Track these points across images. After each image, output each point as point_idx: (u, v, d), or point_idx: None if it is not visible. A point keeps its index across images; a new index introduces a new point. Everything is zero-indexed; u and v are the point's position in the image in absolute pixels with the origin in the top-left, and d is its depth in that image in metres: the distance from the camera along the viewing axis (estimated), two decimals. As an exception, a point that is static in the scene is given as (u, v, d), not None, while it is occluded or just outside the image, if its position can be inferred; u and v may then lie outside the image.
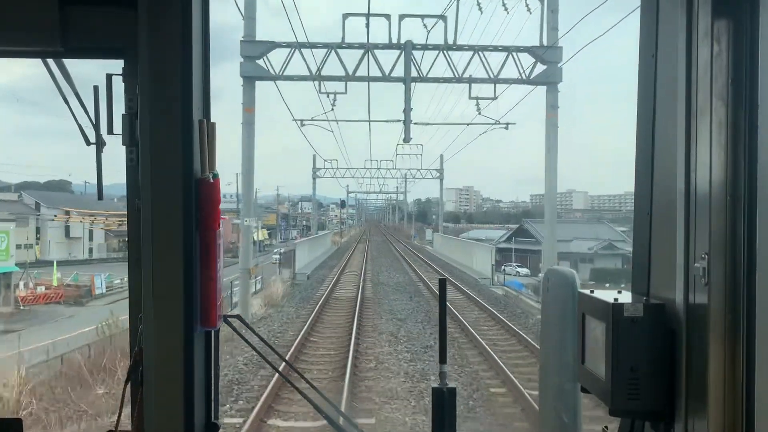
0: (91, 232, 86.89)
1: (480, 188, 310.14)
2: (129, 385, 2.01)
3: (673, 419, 1.57)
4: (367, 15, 24.79)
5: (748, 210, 1.43)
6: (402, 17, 25.93)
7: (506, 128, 29.68)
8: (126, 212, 2.04)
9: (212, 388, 2.15)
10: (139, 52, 1.90)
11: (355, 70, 24.89)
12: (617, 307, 1.56)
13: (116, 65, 2.02)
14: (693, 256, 1.51)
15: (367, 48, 24.37)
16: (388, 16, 25.33)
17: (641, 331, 1.57)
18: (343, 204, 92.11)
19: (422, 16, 25.18)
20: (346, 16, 25.63)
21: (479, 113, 26.79)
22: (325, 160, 74.51)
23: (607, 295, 1.65)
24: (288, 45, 24.81)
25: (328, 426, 2.44)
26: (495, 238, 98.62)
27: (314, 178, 76.08)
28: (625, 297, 1.63)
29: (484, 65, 24.72)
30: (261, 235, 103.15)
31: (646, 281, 1.71)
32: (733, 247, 1.46)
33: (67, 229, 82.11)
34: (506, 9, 24.25)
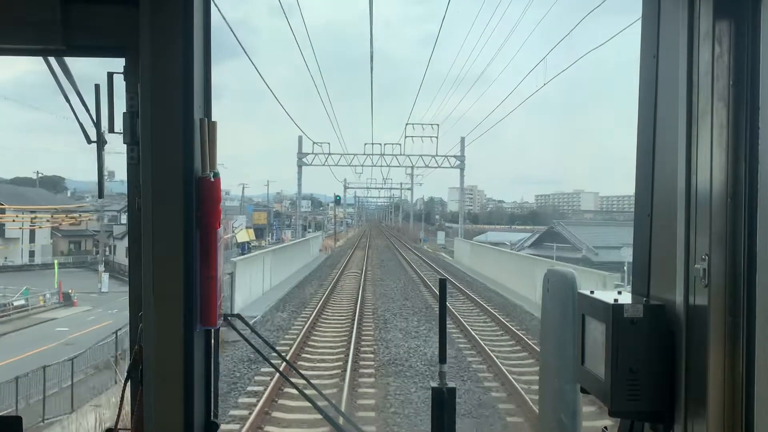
0: (32, 232, 67.56)
1: (482, 188, 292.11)
2: (129, 383, 1.98)
3: (673, 420, 1.55)
4: None
5: (749, 212, 1.42)
6: None
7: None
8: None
9: (212, 386, 2.11)
10: (141, 50, 1.87)
11: None
12: (617, 308, 1.54)
13: (118, 63, 2.00)
14: (693, 257, 1.50)
15: None
16: None
17: (641, 332, 1.54)
18: (338, 201, 73.12)
19: None
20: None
21: None
22: (314, 143, 55.41)
23: (606, 295, 1.62)
24: None
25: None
26: (516, 242, 78.55)
27: (299, 166, 57.14)
28: (625, 298, 1.61)
29: None
30: (246, 235, 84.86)
31: (646, 282, 1.69)
32: (734, 249, 1.44)
33: (1, 228, 63.06)
34: None
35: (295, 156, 56.43)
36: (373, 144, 59.07)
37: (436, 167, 58.97)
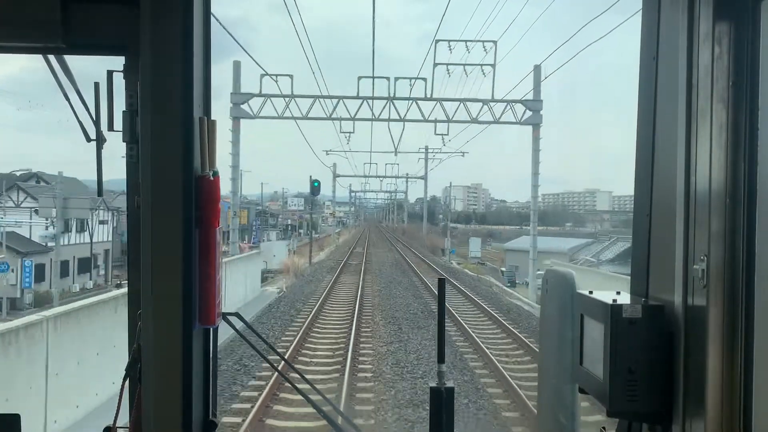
0: None
1: (487, 187, 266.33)
2: (127, 382, 1.96)
3: (671, 421, 1.53)
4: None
5: (748, 212, 1.41)
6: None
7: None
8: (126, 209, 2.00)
9: (210, 385, 2.07)
10: (141, 49, 1.85)
11: None
12: (616, 309, 1.52)
13: (118, 62, 1.99)
14: (692, 257, 1.48)
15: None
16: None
17: (639, 333, 1.52)
18: (316, 188, 43.16)
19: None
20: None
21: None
22: (264, 75, 26.52)
23: (605, 296, 1.60)
24: None
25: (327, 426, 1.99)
26: (563, 250, 50.63)
27: (236, 118, 28.11)
28: (624, 298, 1.59)
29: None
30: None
31: (645, 282, 1.67)
32: (732, 250, 1.43)
33: None
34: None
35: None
36: (374, 78, 30.18)
37: (490, 123, 30.16)
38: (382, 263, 42.71)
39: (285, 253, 41.29)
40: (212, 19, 2.07)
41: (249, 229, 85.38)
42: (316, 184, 41.24)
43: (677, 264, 1.50)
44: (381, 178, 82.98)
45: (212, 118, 2.00)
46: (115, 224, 65.43)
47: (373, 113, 30.52)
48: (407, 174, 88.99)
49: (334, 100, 30.46)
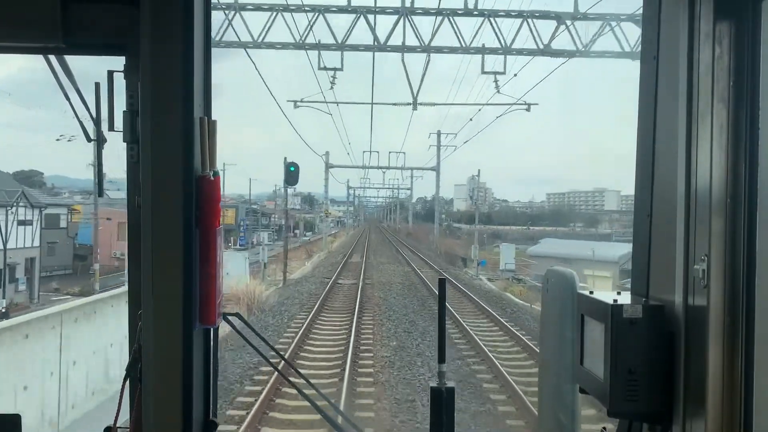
0: None
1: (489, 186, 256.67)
2: (128, 382, 1.96)
3: (671, 421, 1.53)
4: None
5: (748, 212, 1.41)
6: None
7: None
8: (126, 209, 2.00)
9: (211, 385, 2.08)
10: (141, 49, 1.85)
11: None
12: (616, 309, 1.52)
13: (118, 62, 1.99)
14: (692, 258, 1.48)
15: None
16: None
17: (640, 333, 1.52)
18: (291, 176, 30.13)
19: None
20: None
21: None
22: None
23: (606, 296, 1.60)
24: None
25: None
26: (613, 258, 42.46)
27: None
28: (625, 298, 1.59)
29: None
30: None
31: (646, 282, 1.66)
32: (733, 250, 1.43)
33: None
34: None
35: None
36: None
37: (572, 55, 17.28)
38: (389, 284, 29.43)
39: (244, 268, 27.34)
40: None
41: (236, 229, 73.64)
42: (292, 168, 28.13)
43: (678, 264, 1.50)
44: (384, 170, 70.19)
45: (212, 118, 2.00)
46: (65, 225, 52.97)
47: (376, 38, 17.68)
48: (412, 171, 76.19)
49: (310, 15, 17.67)
